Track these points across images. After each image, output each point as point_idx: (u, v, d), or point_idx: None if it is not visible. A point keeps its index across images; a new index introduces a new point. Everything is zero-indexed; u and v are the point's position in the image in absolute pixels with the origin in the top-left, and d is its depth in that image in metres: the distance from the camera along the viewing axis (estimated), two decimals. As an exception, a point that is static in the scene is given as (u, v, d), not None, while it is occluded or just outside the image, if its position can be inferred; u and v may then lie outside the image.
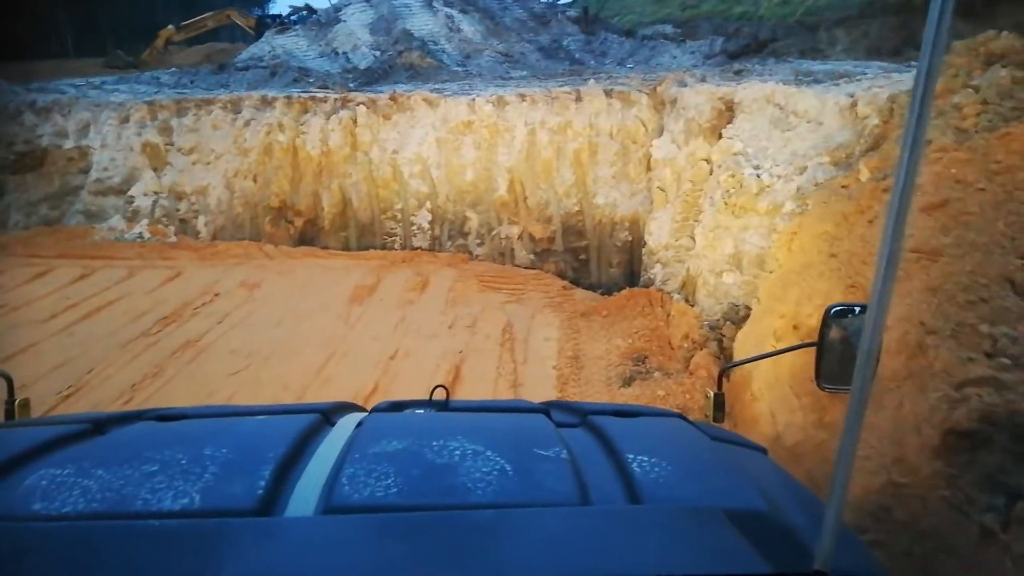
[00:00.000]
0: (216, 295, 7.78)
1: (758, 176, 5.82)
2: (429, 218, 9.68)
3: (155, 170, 10.39)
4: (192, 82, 14.96)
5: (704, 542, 0.88)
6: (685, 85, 8.51)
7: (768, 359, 3.68)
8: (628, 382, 5.50)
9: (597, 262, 9.02)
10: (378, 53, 15.05)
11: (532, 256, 9.22)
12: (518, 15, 17.58)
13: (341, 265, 8.89)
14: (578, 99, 9.38)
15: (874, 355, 0.67)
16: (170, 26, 27.12)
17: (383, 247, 9.72)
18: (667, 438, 1.39)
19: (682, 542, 0.88)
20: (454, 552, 0.82)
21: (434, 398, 1.56)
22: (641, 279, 7.77)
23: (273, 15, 26.43)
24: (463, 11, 17.14)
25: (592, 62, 14.72)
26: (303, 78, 13.75)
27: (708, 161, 7.09)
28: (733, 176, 6.04)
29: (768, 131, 6.35)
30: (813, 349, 1.68)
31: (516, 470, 1.09)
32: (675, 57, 13.24)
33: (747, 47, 11.20)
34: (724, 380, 2.11)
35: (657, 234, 7.43)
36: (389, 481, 1.03)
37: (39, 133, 10.35)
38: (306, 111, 10.31)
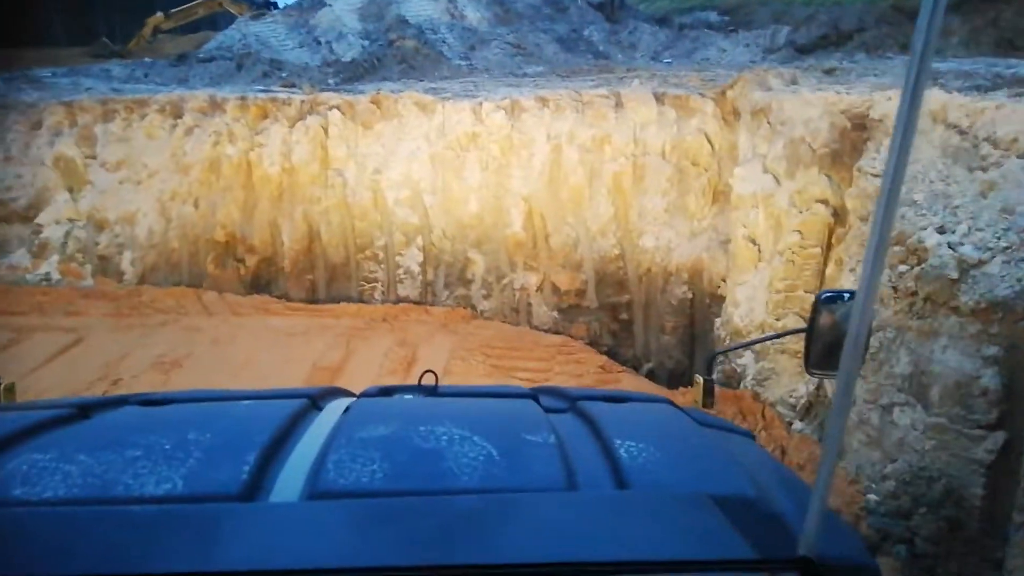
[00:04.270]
0: (115, 383, 5.52)
1: (951, 247, 3.52)
2: (420, 259, 7.39)
3: (71, 191, 8.10)
4: (146, 75, 12.72)
5: (690, 527, 0.87)
6: (770, 88, 6.20)
7: None
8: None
9: (644, 326, 6.72)
10: (366, 43, 12.72)
11: (556, 314, 6.93)
12: (531, 0, 15.23)
13: (300, 328, 6.61)
14: (618, 105, 7.07)
15: (862, 340, 0.66)
16: (159, 13, 25.16)
17: (360, 298, 7.43)
18: (655, 424, 1.37)
19: (668, 527, 0.87)
20: (439, 537, 0.80)
21: (423, 383, 1.50)
22: (717, 368, 5.45)
23: (271, 2, 24.27)
24: (468, -5, 14.80)
25: (620, 56, 12.37)
26: (274, 72, 11.46)
27: (827, 204, 4.80)
28: (899, 242, 3.74)
29: (946, 168, 4.05)
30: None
31: (503, 455, 1.07)
32: (724, 51, 10.89)
33: (824, 39, 8.87)
34: (714, 365, 2.12)
35: (746, 307, 5.13)
36: (375, 467, 1.01)
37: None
38: (265, 116, 8.01)
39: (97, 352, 6.08)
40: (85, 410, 1.24)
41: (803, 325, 1.76)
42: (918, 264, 3.61)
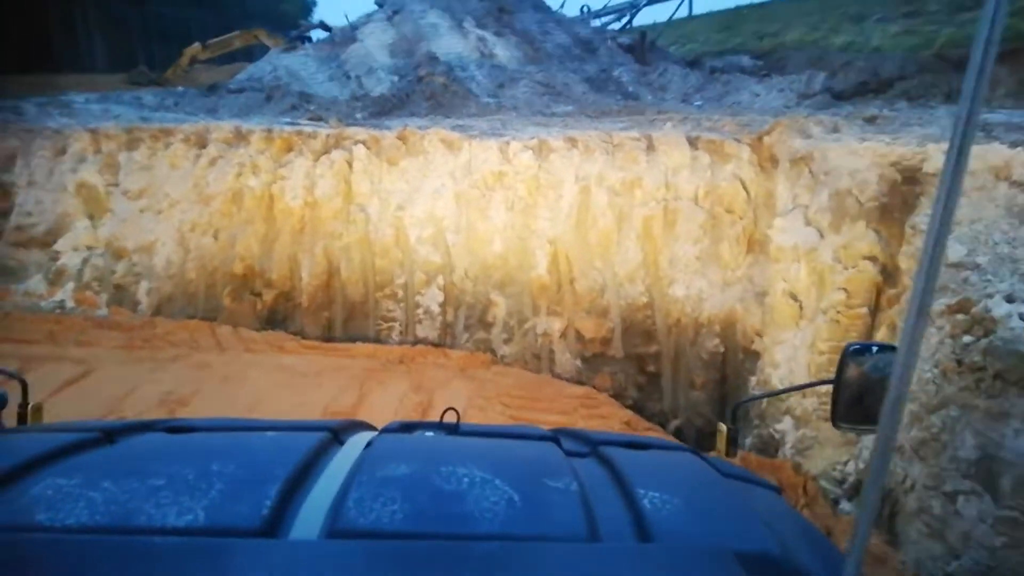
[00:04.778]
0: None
1: (1023, 319, 3.20)
2: (440, 299, 7.16)
3: (91, 218, 8.03)
4: (176, 104, 12.80)
5: None
6: (810, 136, 5.95)
7: None
8: None
9: (672, 379, 6.39)
10: (395, 78, 12.73)
11: (579, 363, 6.63)
12: (561, 41, 15.22)
13: (314, 368, 6.37)
14: (649, 147, 6.86)
15: (903, 396, 0.64)
16: (196, 44, 25.68)
17: (377, 337, 7.19)
18: (679, 473, 1.34)
19: None
20: None
21: (445, 420, 1.52)
22: (752, 433, 5.11)
23: (304, 36, 24.57)
24: (498, 34, 14.84)
25: (650, 97, 12.24)
26: (303, 104, 11.46)
27: (876, 261, 4.50)
28: (963, 310, 3.42)
29: (1012, 230, 3.75)
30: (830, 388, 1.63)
31: (524, 501, 1.06)
32: (757, 95, 10.70)
33: (863, 85, 8.63)
34: (739, 415, 2.04)
35: (786, 368, 4.80)
36: (395, 507, 1.01)
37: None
38: (289, 149, 7.91)
39: (104, 386, 5.87)
40: (110, 435, 1.24)
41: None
42: (985, 336, 3.28)
